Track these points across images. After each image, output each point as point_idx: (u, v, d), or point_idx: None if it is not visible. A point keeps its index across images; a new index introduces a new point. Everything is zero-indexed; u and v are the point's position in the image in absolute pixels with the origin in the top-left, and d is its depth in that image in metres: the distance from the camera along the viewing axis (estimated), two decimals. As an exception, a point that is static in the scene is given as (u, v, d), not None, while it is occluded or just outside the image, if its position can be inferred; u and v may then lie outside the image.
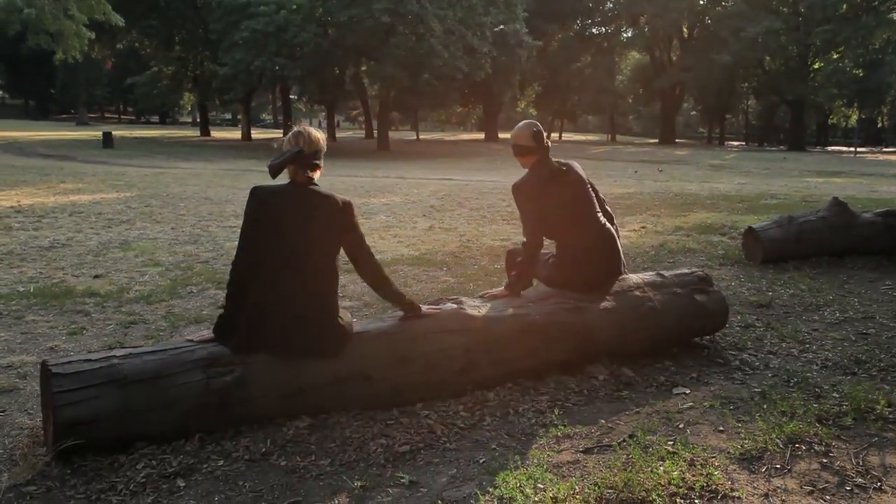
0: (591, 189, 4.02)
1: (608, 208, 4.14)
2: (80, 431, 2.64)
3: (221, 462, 2.73)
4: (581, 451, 2.84)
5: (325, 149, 3.13)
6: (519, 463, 2.73)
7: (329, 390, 3.06)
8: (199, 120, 51.32)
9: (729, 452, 2.80)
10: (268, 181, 3.06)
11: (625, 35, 59.68)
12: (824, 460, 2.74)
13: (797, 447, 2.84)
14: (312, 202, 3.04)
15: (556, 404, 3.33)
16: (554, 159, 3.91)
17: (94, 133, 36.53)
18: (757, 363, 3.94)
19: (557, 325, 3.61)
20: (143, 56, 47.95)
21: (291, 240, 2.99)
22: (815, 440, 2.89)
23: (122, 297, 5.35)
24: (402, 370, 3.20)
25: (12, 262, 6.57)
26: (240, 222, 3.10)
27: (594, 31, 59.01)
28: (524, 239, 3.88)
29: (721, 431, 3.01)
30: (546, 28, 50.48)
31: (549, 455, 2.80)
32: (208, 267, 6.54)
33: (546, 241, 4.04)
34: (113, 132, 32.80)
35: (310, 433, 2.95)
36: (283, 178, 3.07)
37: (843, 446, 2.86)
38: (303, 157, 3.03)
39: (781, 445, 2.84)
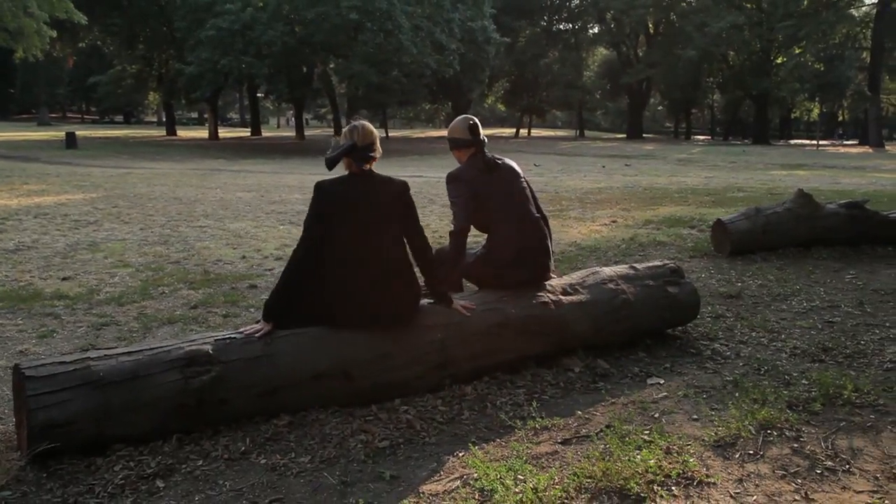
0: (527, 185, 3.95)
1: (542, 208, 4.02)
2: (55, 434, 2.60)
3: (200, 462, 2.72)
4: (559, 443, 2.87)
5: (377, 140, 3.30)
6: (498, 455, 2.75)
7: (308, 387, 3.06)
8: (164, 119, 50.53)
9: (703, 440, 2.85)
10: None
11: (591, 31, 60.17)
12: (795, 445, 2.81)
13: (769, 433, 2.90)
14: (375, 187, 3.24)
15: (533, 397, 3.36)
16: (489, 154, 3.84)
17: (57, 133, 35.84)
18: (728, 352, 4.01)
19: (534, 318, 3.64)
20: (106, 54, 47.17)
21: (364, 225, 3.17)
22: (786, 426, 2.96)
23: (92, 299, 5.28)
24: (382, 366, 3.20)
25: (-23, 266, 6.44)
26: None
27: (561, 27, 59.44)
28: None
29: (695, 420, 3.07)
30: (514, 24, 50.73)
31: (527, 447, 2.83)
32: (179, 267, 6.48)
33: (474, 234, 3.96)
34: (76, 132, 32.16)
35: (289, 431, 2.95)
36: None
37: (813, 431, 2.94)
38: (357, 151, 3.21)
39: (754, 432, 2.90)
